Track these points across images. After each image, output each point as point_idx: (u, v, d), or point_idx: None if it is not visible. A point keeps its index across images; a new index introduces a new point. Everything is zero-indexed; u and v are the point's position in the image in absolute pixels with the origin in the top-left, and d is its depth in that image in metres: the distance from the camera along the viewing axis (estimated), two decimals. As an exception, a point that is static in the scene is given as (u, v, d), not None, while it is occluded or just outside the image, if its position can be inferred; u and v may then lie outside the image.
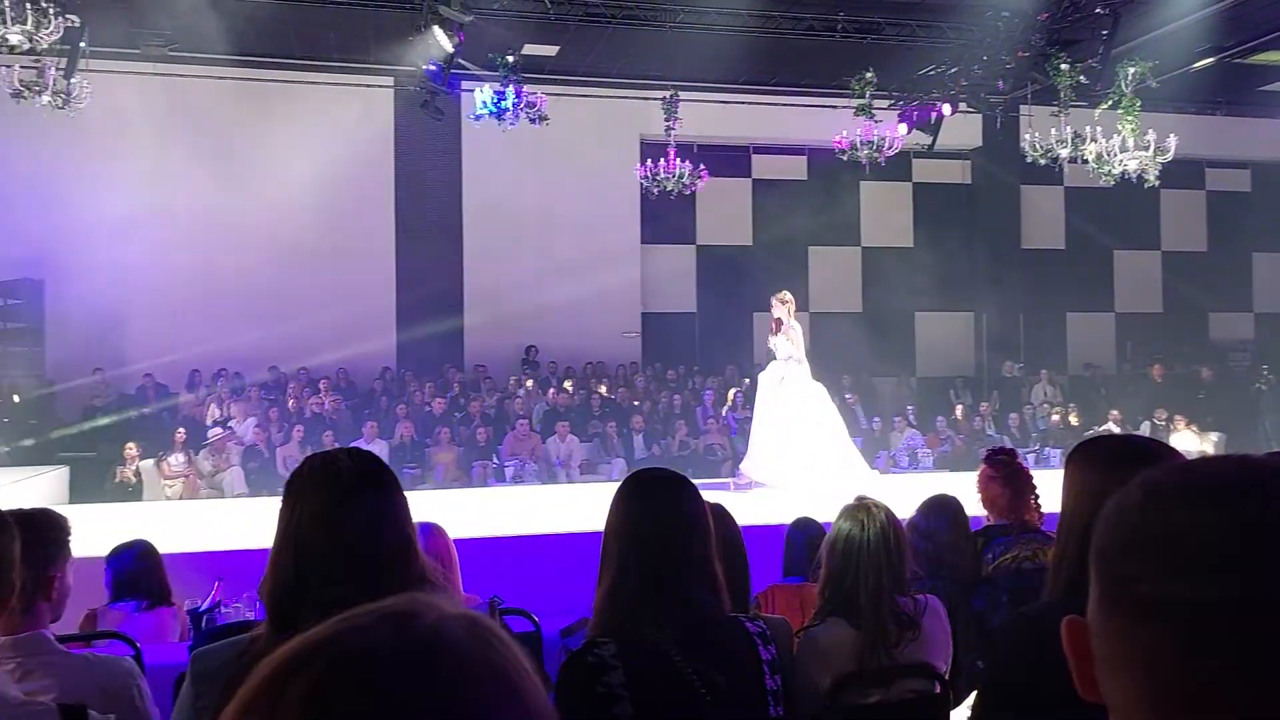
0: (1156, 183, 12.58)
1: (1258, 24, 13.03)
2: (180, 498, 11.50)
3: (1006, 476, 3.60)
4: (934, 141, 14.33)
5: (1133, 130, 12.19)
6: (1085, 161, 12.43)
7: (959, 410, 15.08)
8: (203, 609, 4.18)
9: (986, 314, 17.82)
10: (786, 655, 2.15)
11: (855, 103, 13.21)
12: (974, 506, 3.80)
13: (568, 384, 14.97)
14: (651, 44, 13.61)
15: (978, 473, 3.74)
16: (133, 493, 11.53)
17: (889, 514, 2.79)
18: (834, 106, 14.32)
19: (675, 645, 1.96)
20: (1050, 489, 3.76)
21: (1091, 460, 1.90)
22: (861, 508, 2.79)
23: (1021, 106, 13.96)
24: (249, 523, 7.82)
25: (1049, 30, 12.32)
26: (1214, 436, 13.69)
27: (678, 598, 2.01)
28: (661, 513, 2.06)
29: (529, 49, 13.22)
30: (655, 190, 13.64)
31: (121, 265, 13.98)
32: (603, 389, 14.87)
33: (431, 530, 3.05)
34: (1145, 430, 13.32)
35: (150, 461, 11.87)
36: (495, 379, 15.22)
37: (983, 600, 3.45)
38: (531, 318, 15.55)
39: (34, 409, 13.42)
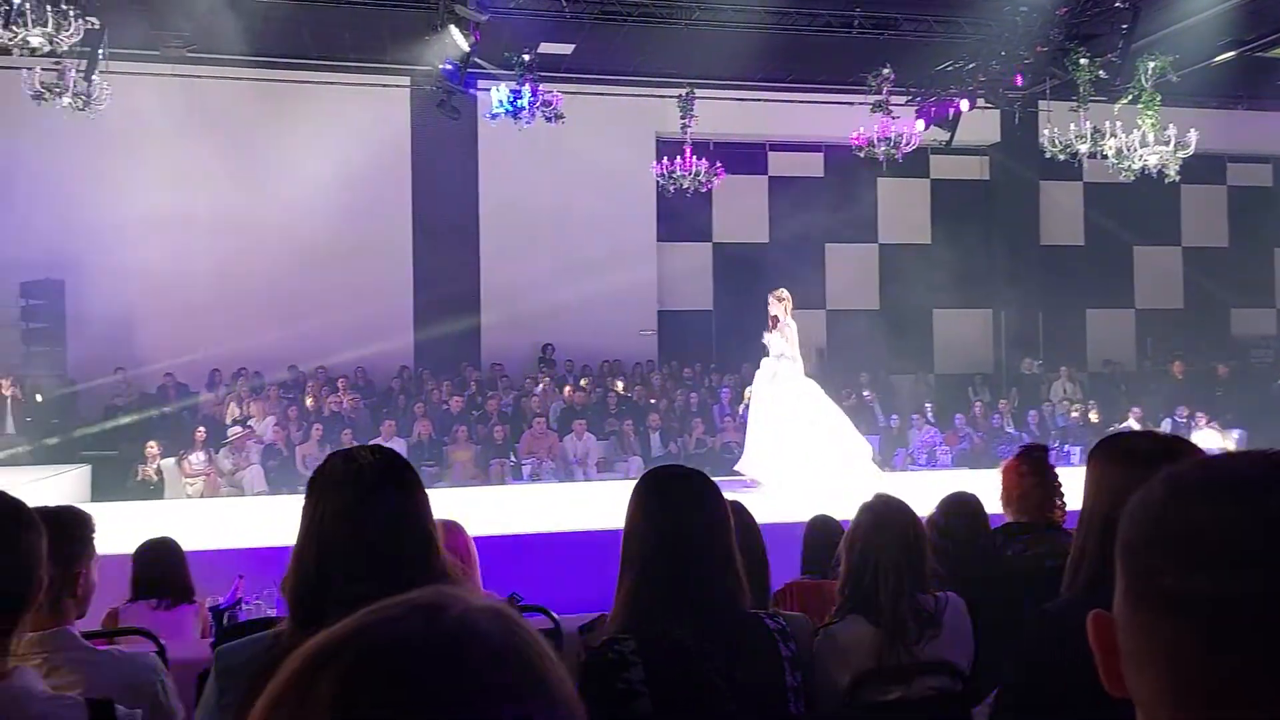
0: (1177, 178, 12.48)
1: (1279, 17, 12.90)
2: (201, 496, 11.58)
3: (1040, 472, 3.58)
4: (952, 137, 14.26)
5: (1153, 125, 12.10)
6: (1105, 157, 12.34)
7: (978, 408, 15.01)
8: (224, 606, 4.22)
9: (1005, 311, 17.73)
10: (806, 652, 2.15)
11: (872, 99, 13.16)
12: (992, 504, 3.78)
13: (584, 382, 14.99)
14: (667, 41, 13.60)
15: (1002, 467, 3.71)
16: (154, 491, 11.62)
17: (909, 511, 2.78)
18: (851, 103, 14.27)
19: (695, 642, 1.96)
20: (1070, 486, 3.74)
21: (1113, 457, 1.89)
22: (881, 505, 2.79)
23: (1040, 102, 13.89)
24: (269, 520, 7.87)
25: (1068, 25, 12.24)
26: (1235, 434, 13.58)
27: (699, 594, 2.02)
28: (683, 509, 2.06)
29: (545, 47, 13.24)
30: (671, 188, 13.64)
31: (141, 265, 14.10)
32: (619, 387, 14.88)
33: (451, 528, 3.06)
34: (1166, 427, 13.23)
35: (171, 460, 11.96)
36: (512, 377, 15.25)
37: (1002, 597, 3.43)
38: (548, 316, 15.58)
39: (56, 408, 13.55)
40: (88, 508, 2.54)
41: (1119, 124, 12.25)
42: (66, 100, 10.83)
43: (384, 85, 15.04)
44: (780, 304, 9.83)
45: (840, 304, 17.67)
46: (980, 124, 15.51)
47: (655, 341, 16.75)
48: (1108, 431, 11.04)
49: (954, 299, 17.58)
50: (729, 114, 15.48)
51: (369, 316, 14.82)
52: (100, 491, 11.48)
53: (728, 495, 2.26)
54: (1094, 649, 0.78)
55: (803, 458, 9.31)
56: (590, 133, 14.77)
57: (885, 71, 12.96)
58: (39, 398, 13.35)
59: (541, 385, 14.68)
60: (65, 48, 9.77)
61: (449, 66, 12.40)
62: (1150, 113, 12.14)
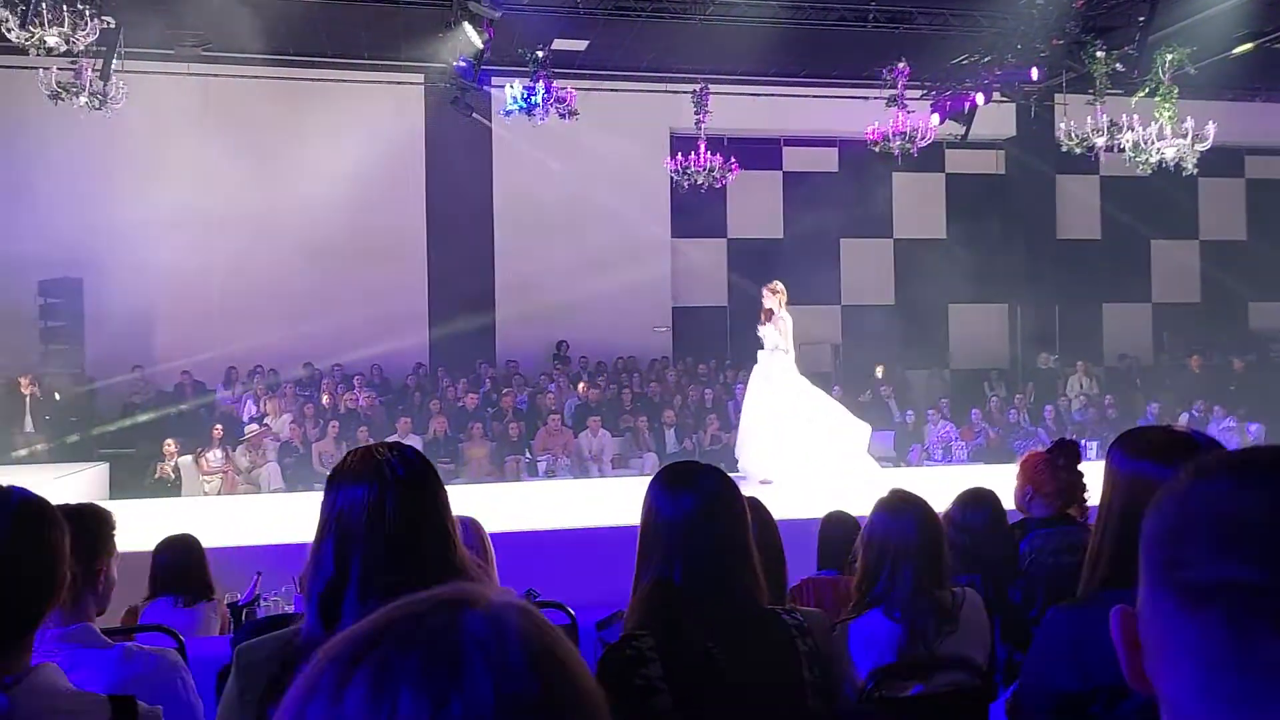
0: (1195, 171, 12.40)
1: (1298, 8, 12.79)
2: (218, 493, 11.65)
3: (1075, 467, 3.57)
4: (967, 131, 14.20)
5: (1170, 118, 12.01)
6: (1122, 150, 12.26)
7: (993, 403, 14.95)
8: (242, 602, 4.24)
9: (1021, 305, 17.65)
10: (824, 648, 2.14)
11: (887, 93, 13.11)
12: (1009, 499, 3.77)
13: (599, 379, 15.00)
14: (681, 37, 13.58)
15: (1026, 462, 3.69)
16: (172, 488, 11.70)
17: (926, 506, 2.77)
18: (865, 98, 14.22)
19: (713, 638, 1.96)
20: (1088, 480, 3.72)
21: (1133, 452, 1.88)
22: (899, 500, 2.78)
23: (1056, 95, 13.80)
24: (286, 517, 7.91)
25: (1084, 17, 12.16)
26: (1254, 428, 13.48)
27: (716, 591, 2.02)
28: (700, 505, 2.06)
29: (558, 44, 13.25)
30: (685, 184, 13.62)
31: (158, 263, 14.18)
32: (634, 384, 14.89)
33: (469, 524, 3.07)
34: (1184, 422, 13.14)
35: (188, 457, 12.04)
36: (526, 374, 15.28)
37: (1019, 593, 3.43)
38: (562, 313, 15.60)
39: (74, 406, 13.65)
40: (106, 505, 2.56)
41: (1136, 117, 12.16)
42: (83, 99, 10.90)
43: (398, 83, 15.08)
44: (774, 296, 9.79)
45: (855, 299, 17.62)
46: (996, 118, 15.43)
47: (670, 338, 16.75)
48: (1126, 426, 10.98)
49: (969, 294, 17.51)
50: (743, 109, 15.45)
51: (384, 314, 14.88)
52: (118, 489, 11.56)
53: (745, 492, 2.25)
54: (1117, 644, 0.77)
55: (801, 457, 9.26)
56: (604, 129, 14.77)
57: (900, 66, 12.91)
58: (57, 396, 13.45)
59: (556, 382, 14.70)
60: (81, 47, 9.83)
61: (463, 64, 12.42)
62: (1167, 105, 12.05)
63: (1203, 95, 14.10)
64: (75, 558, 1.70)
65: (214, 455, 11.99)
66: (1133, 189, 16.99)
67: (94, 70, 11.02)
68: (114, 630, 3.25)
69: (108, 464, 12.23)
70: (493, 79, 13.20)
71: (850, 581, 3.54)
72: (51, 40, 9.41)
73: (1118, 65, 12.10)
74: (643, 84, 15.47)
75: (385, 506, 1.68)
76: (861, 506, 4.48)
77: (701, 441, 13.58)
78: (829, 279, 17.49)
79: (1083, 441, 13.39)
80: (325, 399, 13.84)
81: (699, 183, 13.49)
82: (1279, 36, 13.55)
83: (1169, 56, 11.95)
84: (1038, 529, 3.49)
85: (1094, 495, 3.52)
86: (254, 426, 12.86)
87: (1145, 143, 12.02)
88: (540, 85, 12.01)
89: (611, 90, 15.03)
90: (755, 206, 17.26)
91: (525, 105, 12.06)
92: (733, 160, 13.46)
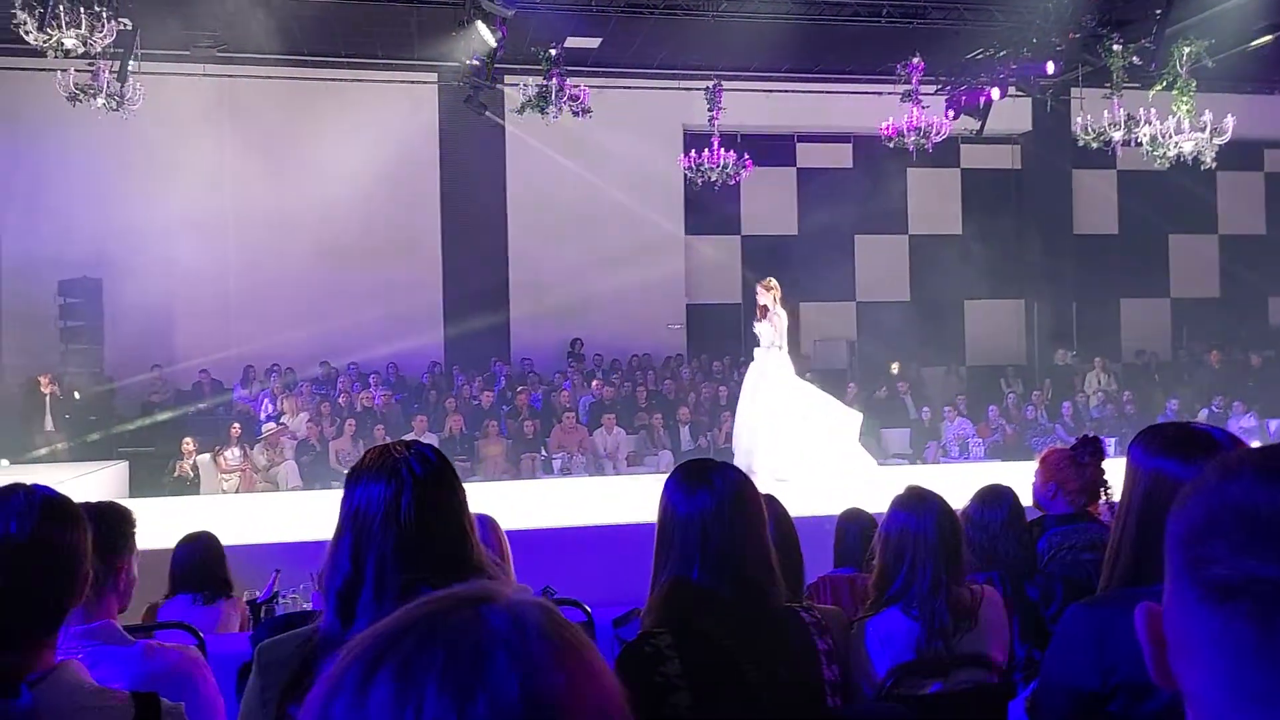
0: (1213, 164, 12.30)
1: (1318, 0, 12.67)
2: (236, 491, 11.72)
3: (1095, 465, 3.55)
4: (982, 126, 14.13)
5: (1188, 111, 11.93)
6: (1139, 144, 12.18)
7: (1010, 399, 14.88)
8: (262, 599, 4.27)
9: (1038, 301, 17.56)
10: (842, 645, 2.14)
11: (901, 89, 13.06)
12: (1026, 496, 3.75)
13: (613, 376, 15.01)
14: (694, 34, 13.56)
15: (1047, 458, 3.67)
16: (190, 486, 11.78)
17: (944, 504, 2.76)
18: (880, 93, 14.18)
19: (732, 635, 1.96)
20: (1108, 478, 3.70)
21: (1153, 449, 1.87)
22: (916, 497, 2.77)
23: (1072, 89, 13.71)
24: (304, 515, 7.94)
25: (1100, 10, 12.08)
26: (1275, 424, 13.38)
27: (734, 588, 2.02)
28: (725, 502, 2.06)
29: (571, 42, 13.25)
30: (699, 181, 13.61)
31: (176, 263, 14.27)
32: (648, 381, 14.89)
33: (486, 522, 3.08)
34: (1203, 418, 13.06)
35: (207, 456, 12.12)
36: (541, 372, 15.31)
37: (1037, 591, 3.41)
38: (576, 310, 15.62)
39: (94, 405, 13.75)
40: (126, 503, 2.58)
41: (1153, 111, 12.08)
42: (100, 101, 10.98)
43: (412, 82, 15.12)
44: (768, 293, 9.76)
45: (870, 296, 17.57)
46: (1011, 112, 15.35)
47: (684, 335, 16.74)
48: (1144, 423, 10.91)
49: (986, 290, 17.44)
50: (756, 106, 15.42)
51: (400, 313, 14.94)
52: (138, 487, 11.64)
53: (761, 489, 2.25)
54: (1143, 642, 0.77)
55: (798, 455, 9.23)
56: (617, 126, 14.77)
57: (914, 61, 12.85)
58: (77, 395, 13.55)
59: (570, 380, 14.72)
60: (98, 49, 9.89)
61: (476, 62, 12.44)
62: (1185, 99, 11.96)
63: (1221, 88, 13.99)
64: (97, 555, 1.71)
65: (232, 454, 12.06)
66: (1150, 183, 16.88)
67: (111, 72, 11.09)
68: (135, 627, 3.27)
69: (127, 463, 12.32)
70: (506, 77, 13.22)
71: (867, 579, 3.54)
72: (69, 43, 9.48)
73: (1134, 59, 12.01)
74: (656, 81, 15.46)
75: (401, 504, 1.69)
76: (860, 503, 4.49)
77: (716, 439, 13.57)
78: (844, 275, 17.45)
79: (1101, 438, 13.39)
80: (342, 398, 13.91)
81: (712, 180, 13.48)
82: (1298, 28, 13.44)
83: (1186, 49, 11.86)
84: (1056, 526, 3.47)
85: (1115, 492, 3.50)
86: (271, 425, 12.93)
87: (1163, 136, 11.94)
88: (553, 83, 12.01)
89: (624, 88, 15.03)
90: (769, 203, 17.23)
91: (538, 103, 12.05)
92: (746, 157, 13.44)
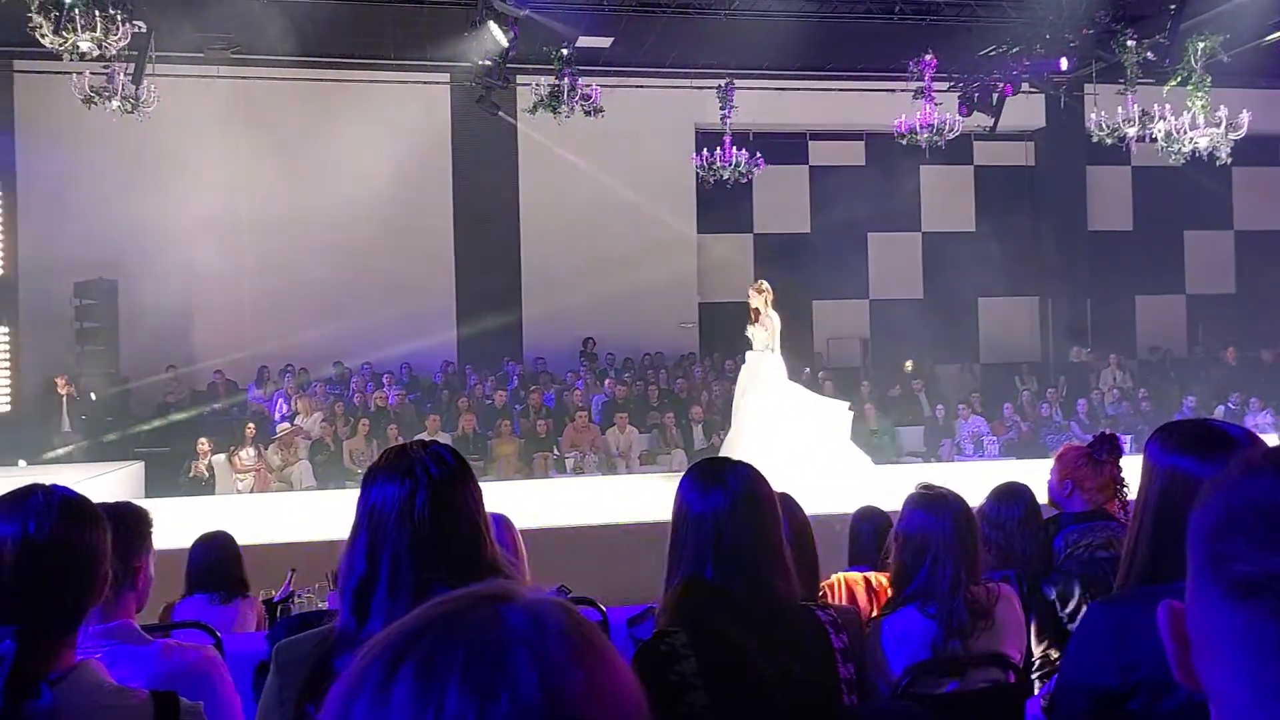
0: (1228, 160, 12.22)
1: (1335, -7, 12.57)
2: (251, 491, 11.77)
3: (1113, 462, 3.53)
4: (996, 123, 14.06)
5: (1203, 107, 11.85)
6: (1154, 140, 12.11)
7: (1025, 397, 14.82)
8: (278, 599, 4.28)
9: (1053, 298, 17.49)
10: (858, 644, 2.14)
11: (914, 86, 13.01)
12: (1042, 494, 3.73)
13: (626, 375, 15.01)
14: (706, 32, 13.56)
15: (1063, 456, 3.65)
16: (206, 487, 11.84)
17: (961, 502, 2.75)
18: (892, 90, 14.12)
19: (748, 634, 1.96)
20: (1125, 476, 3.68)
21: (1170, 446, 1.86)
22: (933, 495, 2.76)
23: (1086, 85, 13.63)
24: (318, 515, 7.98)
25: (1114, 6, 12.01)
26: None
27: (751, 586, 2.01)
28: (738, 501, 2.06)
29: (583, 41, 13.25)
30: (711, 179, 13.60)
31: (191, 265, 14.35)
32: (661, 380, 14.89)
33: (500, 521, 3.08)
34: (1219, 414, 12.97)
35: (222, 456, 12.17)
36: (553, 371, 15.32)
37: (1054, 589, 3.39)
38: (589, 309, 15.62)
39: (110, 406, 13.84)
40: (142, 503, 2.59)
41: (1168, 106, 12.01)
42: (116, 103, 11.05)
43: (424, 83, 15.16)
44: (760, 296, 9.75)
45: (883, 293, 17.53)
46: (1025, 109, 15.28)
47: (696, 333, 16.73)
48: (1160, 420, 10.85)
49: (1000, 287, 17.37)
50: (769, 104, 15.40)
51: (413, 312, 14.98)
52: (154, 487, 11.70)
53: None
54: (1165, 640, 0.76)
55: (789, 456, 9.19)
56: (629, 125, 14.78)
57: (927, 58, 12.80)
58: (93, 396, 13.64)
59: (583, 379, 14.73)
60: (114, 52, 9.93)
61: (488, 62, 12.46)
62: (1200, 94, 11.88)
63: (1236, 83, 13.89)
64: (115, 555, 1.72)
65: (247, 454, 12.11)
66: (1165, 179, 16.78)
67: (126, 74, 11.16)
68: (152, 627, 3.29)
69: (143, 463, 12.38)
70: (518, 77, 13.23)
71: (882, 577, 3.53)
72: (84, 45, 9.52)
73: (1149, 54, 11.93)
74: (668, 80, 15.46)
75: (416, 503, 1.69)
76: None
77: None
78: (857, 273, 17.42)
79: (1117, 435, 13.32)
80: (356, 397, 13.96)
81: (725, 178, 13.46)
82: (1315, 23, 13.33)
83: (1201, 44, 11.78)
84: (1072, 524, 3.46)
85: (1131, 490, 3.48)
86: (286, 425, 12.98)
87: (1178, 132, 11.87)
88: (565, 83, 12.01)
89: (636, 87, 15.03)
90: (782, 201, 17.21)
91: (550, 103, 12.05)
92: (759, 155, 13.43)
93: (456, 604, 0.66)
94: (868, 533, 4.10)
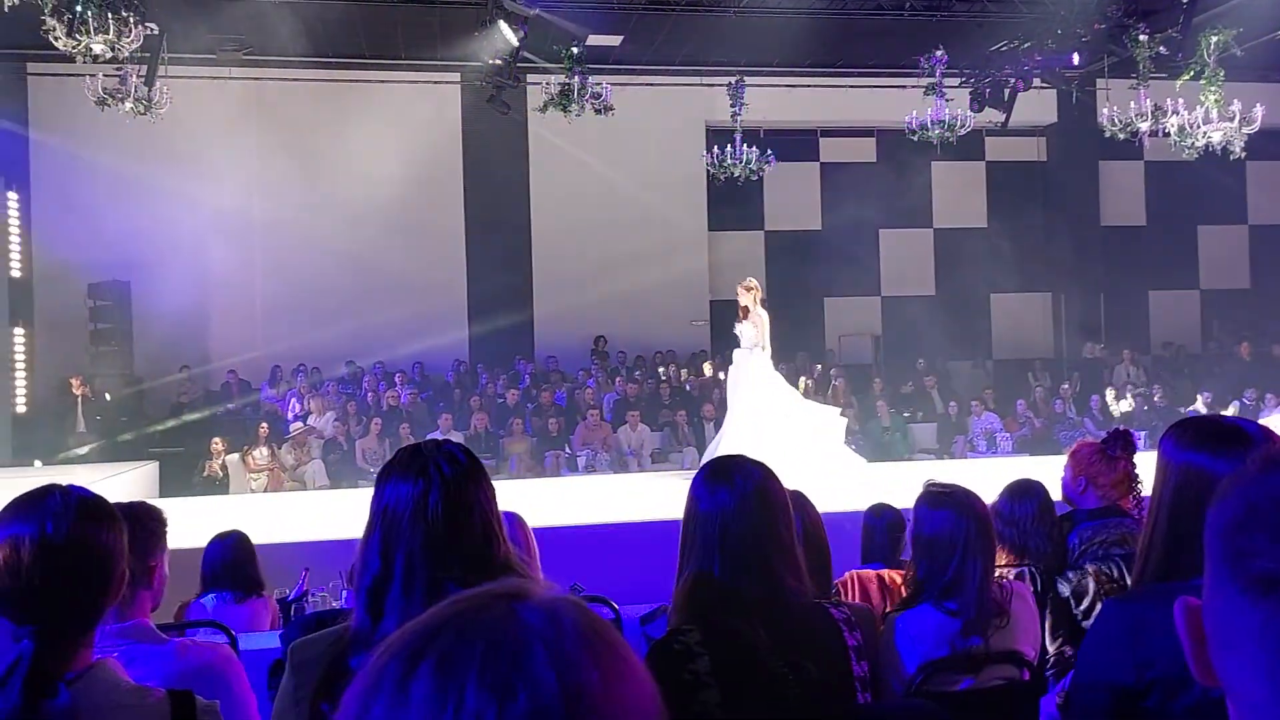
0: (1242, 154, 12.14)
1: (1350, -15, 12.47)
2: (265, 490, 11.82)
3: (1126, 459, 3.52)
4: (1007, 118, 14.01)
5: (1216, 101, 11.78)
6: (1167, 134, 12.04)
7: (1038, 393, 14.76)
8: (292, 598, 4.30)
9: (1065, 294, 17.41)
10: (872, 641, 2.13)
11: (925, 82, 12.97)
12: (1055, 490, 3.72)
13: (637, 373, 15.02)
14: (716, 30, 13.54)
15: (1077, 452, 3.64)
16: (220, 486, 11.90)
17: (974, 498, 2.75)
18: (903, 87, 14.09)
19: (761, 632, 1.96)
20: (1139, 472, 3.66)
21: (1184, 441, 1.85)
22: (947, 493, 2.75)
23: (1098, 80, 13.57)
24: (332, 514, 8.00)
25: (1126, 0, 11.95)
26: (1308, 416, 13.19)
27: (764, 585, 2.01)
28: (746, 500, 2.06)
29: (593, 39, 13.25)
30: (722, 176, 13.59)
31: (204, 265, 14.41)
32: (672, 378, 14.89)
33: (513, 520, 3.09)
34: (1234, 410, 12.90)
35: (236, 456, 12.23)
36: (565, 370, 15.34)
37: (1068, 586, 3.38)
38: (600, 308, 15.63)
39: (124, 406, 13.92)
40: (156, 503, 2.61)
41: (1181, 101, 11.94)
42: (129, 105, 11.11)
43: (435, 82, 15.19)
44: (749, 294, 9.72)
45: (895, 290, 17.48)
46: (1036, 104, 15.22)
47: (708, 331, 16.71)
48: (1174, 417, 10.79)
49: (1012, 283, 17.30)
50: (779, 101, 15.37)
51: (424, 311, 15.01)
52: (168, 487, 11.76)
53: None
54: (1182, 637, 0.76)
55: (780, 454, 9.14)
56: (640, 124, 14.76)
57: (938, 53, 12.76)
58: (108, 396, 13.72)
59: (595, 377, 14.74)
60: (126, 54, 9.98)
61: (499, 61, 12.48)
62: (1213, 88, 11.81)
63: (1250, 77, 13.80)
64: (131, 555, 1.74)
65: (260, 453, 12.17)
66: (1178, 174, 16.64)
67: (139, 76, 11.22)
68: (168, 626, 3.31)
69: (157, 463, 12.45)
70: (528, 76, 13.24)
71: (894, 575, 3.53)
72: (97, 48, 9.57)
73: (1161, 49, 11.86)
74: (678, 78, 15.45)
75: (430, 502, 1.70)
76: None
77: (741, 435, 13.53)
78: (868, 270, 17.38)
79: (1131, 431, 13.25)
80: (368, 396, 14.00)
81: (736, 175, 13.45)
82: (1329, 15, 13.23)
83: (1214, 38, 11.70)
84: (1086, 521, 3.44)
85: (1145, 487, 3.47)
86: (299, 425, 13.03)
87: (1191, 126, 11.80)
88: (576, 81, 12.01)
89: (647, 85, 15.02)
90: (793, 198, 17.17)
91: (561, 101, 12.06)
92: (769, 152, 13.40)
93: (472, 602, 0.66)
94: (881, 530, 4.09)
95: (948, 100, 12.93)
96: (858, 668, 2.04)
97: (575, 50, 12.14)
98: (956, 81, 13.89)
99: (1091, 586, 3.27)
